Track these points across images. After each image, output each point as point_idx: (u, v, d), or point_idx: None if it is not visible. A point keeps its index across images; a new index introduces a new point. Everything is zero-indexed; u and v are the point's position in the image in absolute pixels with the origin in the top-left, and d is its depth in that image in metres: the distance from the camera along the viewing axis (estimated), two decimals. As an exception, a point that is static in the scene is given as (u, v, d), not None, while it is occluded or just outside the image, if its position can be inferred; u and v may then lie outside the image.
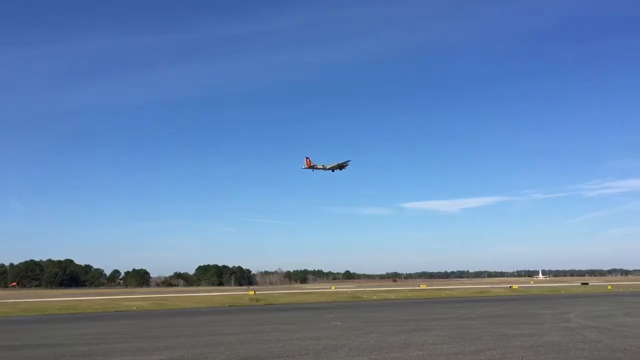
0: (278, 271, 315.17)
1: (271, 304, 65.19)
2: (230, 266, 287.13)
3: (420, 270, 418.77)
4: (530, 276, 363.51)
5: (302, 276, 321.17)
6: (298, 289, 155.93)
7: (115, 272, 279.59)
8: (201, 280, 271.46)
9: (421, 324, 26.74)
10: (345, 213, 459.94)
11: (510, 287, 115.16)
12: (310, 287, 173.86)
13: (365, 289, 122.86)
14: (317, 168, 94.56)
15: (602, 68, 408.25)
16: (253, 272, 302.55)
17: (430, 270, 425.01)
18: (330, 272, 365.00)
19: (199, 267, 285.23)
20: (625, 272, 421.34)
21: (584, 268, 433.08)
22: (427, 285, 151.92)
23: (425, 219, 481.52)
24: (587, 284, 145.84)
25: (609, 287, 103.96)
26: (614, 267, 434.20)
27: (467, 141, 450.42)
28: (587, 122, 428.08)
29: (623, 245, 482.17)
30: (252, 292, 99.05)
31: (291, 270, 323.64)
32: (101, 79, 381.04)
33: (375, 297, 76.86)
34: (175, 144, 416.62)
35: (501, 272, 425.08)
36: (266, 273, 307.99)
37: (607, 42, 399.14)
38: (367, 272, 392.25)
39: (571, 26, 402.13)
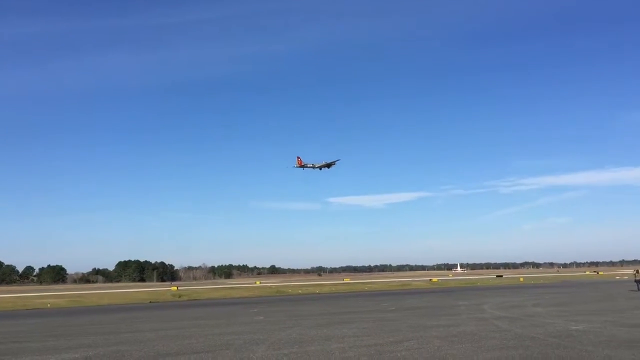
0: (202, 266, 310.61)
1: (194, 300, 64.13)
2: (153, 261, 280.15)
3: (345, 265, 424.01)
4: (449, 269, 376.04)
5: (226, 271, 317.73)
6: (222, 284, 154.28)
7: (29, 269, 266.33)
8: (121, 277, 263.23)
9: (343, 317, 27.10)
10: (271, 208, 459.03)
11: (430, 279, 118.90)
12: (234, 282, 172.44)
13: (290, 284, 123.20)
14: (307, 167, 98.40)
15: (524, 70, 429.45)
16: (176, 267, 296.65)
17: (354, 265, 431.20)
18: (255, 267, 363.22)
19: (119, 262, 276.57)
20: (536, 265, 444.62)
21: (499, 261, 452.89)
22: (351, 279, 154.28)
23: (351, 213, 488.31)
24: (501, 276, 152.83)
25: (521, 279, 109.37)
26: (526, 261, 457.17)
27: (391, 137, 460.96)
28: (503, 120, 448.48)
29: (534, 240, 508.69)
30: (175, 288, 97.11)
31: (216, 266, 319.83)
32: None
33: (300, 292, 77.24)
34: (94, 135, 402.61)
35: (422, 265, 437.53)
36: (190, 268, 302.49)
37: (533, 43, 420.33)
38: (292, 267, 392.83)
39: (497, 26, 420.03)
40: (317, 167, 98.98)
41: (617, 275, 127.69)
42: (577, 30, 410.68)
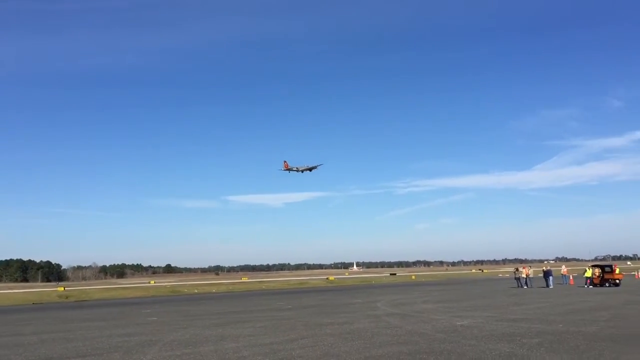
0: (92, 265, 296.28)
1: (83, 301, 61.03)
2: (37, 260, 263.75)
3: (243, 264, 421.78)
4: (346, 267, 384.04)
5: (119, 271, 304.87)
6: (114, 284, 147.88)
7: None
8: (2, 277, 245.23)
9: (239, 317, 26.86)
10: (167, 205, 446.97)
11: (327, 278, 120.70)
12: (127, 282, 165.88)
13: (186, 283, 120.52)
14: (292, 170, 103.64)
15: (420, 75, 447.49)
16: (64, 266, 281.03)
17: (253, 263, 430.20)
18: (150, 267, 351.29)
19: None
20: (427, 264, 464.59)
21: (393, 260, 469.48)
22: (249, 278, 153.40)
23: (250, 212, 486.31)
24: (395, 274, 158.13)
25: (413, 277, 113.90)
26: (418, 259, 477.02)
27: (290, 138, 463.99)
28: (401, 123, 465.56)
29: (426, 239, 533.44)
30: (62, 288, 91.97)
31: (107, 265, 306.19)
32: None
33: (196, 291, 75.72)
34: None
35: (320, 264, 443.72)
36: (79, 268, 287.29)
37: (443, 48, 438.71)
38: (189, 266, 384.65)
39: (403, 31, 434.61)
40: (300, 171, 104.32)
41: (500, 272, 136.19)
42: (470, 38, 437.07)
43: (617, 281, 45.36)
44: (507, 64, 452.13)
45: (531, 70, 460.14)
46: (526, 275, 50.01)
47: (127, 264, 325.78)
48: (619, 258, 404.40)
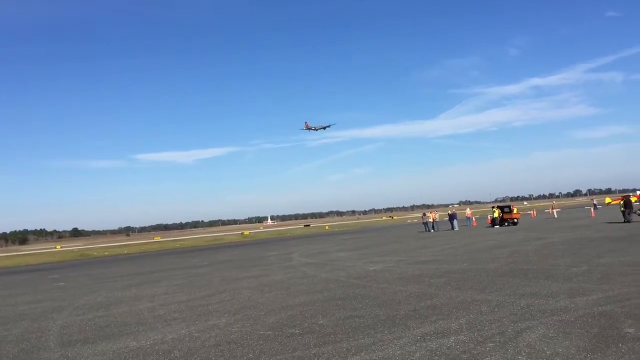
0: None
1: (-18, 271, 57.57)
2: None
3: (155, 223, 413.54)
4: (260, 222, 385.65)
5: (21, 237, 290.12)
6: (16, 251, 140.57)
7: None
8: None
9: (153, 276, 26.42)
10: (70, 166, 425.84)
11: (242, 233, 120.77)
12: (31, 249, 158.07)
13: (96, 246, 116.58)
14: (311, 129, 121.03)
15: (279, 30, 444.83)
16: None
17: (165, 222, 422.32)
18: (55, 231, 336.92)
19: None
20: (340, 214, 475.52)
21: (307, 212, 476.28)
22: (162, 238, 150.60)
23: (160, 170, 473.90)
24: (309, 225, 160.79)
25: (327, 228, 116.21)
26: (331, 210, 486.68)
27: (197, 92, 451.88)
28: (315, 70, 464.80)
29: (339, 190, 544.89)
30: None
31: (7, 232, 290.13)
32: None
33: (106, 254, 73.46)
34: None
35: (234, 220, 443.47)
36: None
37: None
38: (97, 229, 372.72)
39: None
40: (317, 129, 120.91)
41: (409, 219, 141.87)
42: None
43: (515, 220, 48.49)
44: (410, 16, 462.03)
45: (435, 20, 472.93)
46: (433, 219, 52.37)
47: (29, 229, 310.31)
48: (516, 199, 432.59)
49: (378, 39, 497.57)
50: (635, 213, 38.90)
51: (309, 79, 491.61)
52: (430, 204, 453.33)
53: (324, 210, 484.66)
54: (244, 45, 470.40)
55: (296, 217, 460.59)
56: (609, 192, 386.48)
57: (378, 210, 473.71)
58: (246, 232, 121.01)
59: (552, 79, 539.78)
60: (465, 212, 62.44)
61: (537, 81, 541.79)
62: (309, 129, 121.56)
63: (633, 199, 39.35)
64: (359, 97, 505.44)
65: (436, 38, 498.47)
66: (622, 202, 40.26)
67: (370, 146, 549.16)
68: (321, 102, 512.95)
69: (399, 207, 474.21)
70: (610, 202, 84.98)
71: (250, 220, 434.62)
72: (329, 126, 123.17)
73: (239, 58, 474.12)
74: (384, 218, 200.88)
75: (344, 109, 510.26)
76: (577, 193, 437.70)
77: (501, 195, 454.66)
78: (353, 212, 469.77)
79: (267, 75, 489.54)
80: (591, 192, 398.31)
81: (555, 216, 60.35)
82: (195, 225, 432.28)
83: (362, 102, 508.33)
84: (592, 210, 63.12)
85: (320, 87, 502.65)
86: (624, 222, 37.48)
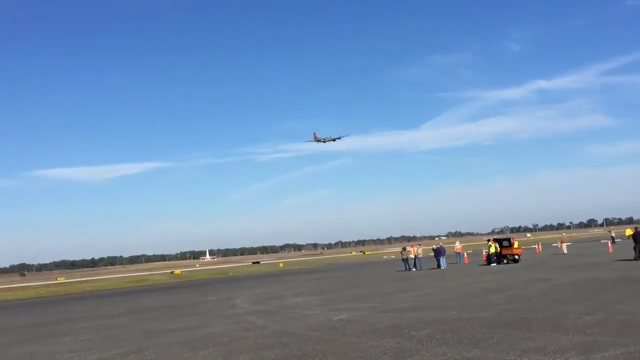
0: None
1: None
2: None
3: (58, 259, 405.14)
4: (196, 258, 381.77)
5: None
6: None
7: None
8: None
9: (55, 329, 25.78)
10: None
11: (172, 272, 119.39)
12: None
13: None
14: (320, 141, 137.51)
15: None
16: None
17: (72, 259, 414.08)
18: None
19: None
20: (298, 247, 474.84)
21: (256, 244, 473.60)
22: (67, 278, 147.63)
23: (61, 192, 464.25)
24: (258, 262, 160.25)
25: (281, 265, 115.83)
26: (287, 242, 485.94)
27: (109, 88, 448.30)
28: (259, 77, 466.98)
29: (296, 217, 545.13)
30: None
31: None
32: None
33: (-8, 299, 71.41)
34: None
35: (162, 255, 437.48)
36: None
37: None
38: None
39: None
40: (327, 141, 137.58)
41: (385, 254, 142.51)
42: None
43: (517, 257, 49.21)
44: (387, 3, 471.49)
45: (417, 5, 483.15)
46: (415, 255, 52.65)
47: None
48: (518, 230, 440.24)
49: (344, 27, 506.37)
50: None
51: (259, 78, 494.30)
52: (411, 235, 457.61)
53: (278, 243, 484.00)
54: (180, 36, 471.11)
55: (242, 251, 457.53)
56: (630, 222, 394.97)
57: (346, 243, 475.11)
58: (177, 271, 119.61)
59: (562, 82, 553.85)
60: (454, 246, 63.07)
61: (543, 84, 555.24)
62: (317, 140, 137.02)
63: None
64: (321, 101, 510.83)
65: (419, 27, 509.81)
66: (632, 236, 41.46)
67: (337, 162, 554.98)
68: (275, 106, 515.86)
69: (372, 240, 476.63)
70: (631, 235, 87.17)
71: (183, 256, 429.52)
72: (339, 138, 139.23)
73: (168, 51, 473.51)
74: (353, 253, 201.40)
75: (304, 115, 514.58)
76: (591, 223, 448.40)
77: (499, 226, 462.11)
78: (315, 245, 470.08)
79: (203, 71, 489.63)
80: (609, 222, 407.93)
81: (565, 251, 61.46)
82: (111, 262, 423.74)
83: (326, 107, 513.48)
84: (609, 244, 64.45)
85: (274, 88, 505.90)
86: (634, 259, 38.66)
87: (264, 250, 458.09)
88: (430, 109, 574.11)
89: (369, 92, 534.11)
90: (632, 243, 41.32)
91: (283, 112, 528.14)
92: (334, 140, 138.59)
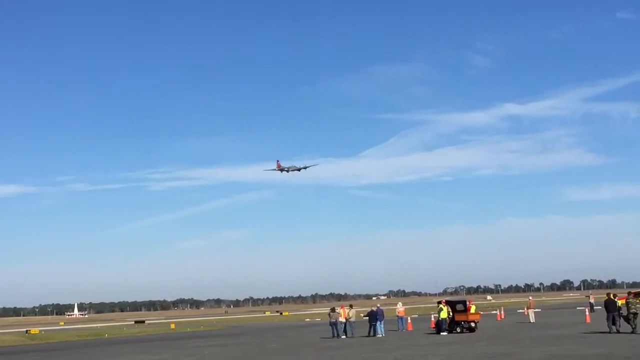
0: None
1: None
2: None
3: None
4: (61, 313, 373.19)
5: None
6: None
7: None
8: None
9: None
10: None
11: (27, 331, 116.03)
12: None
13: None
14: (284, 170, 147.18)
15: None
16: None
17: None
18: None
19: None
20: (196, 304, 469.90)
21: (141, 299, 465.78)
22: None
23: None
24: (143, 322, 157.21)
25: (173, 326, 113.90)
26: (182, 297, 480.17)
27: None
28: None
29: (196, 265, 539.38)
30: None
31: None
32: None
33: None
34: None
35: (16, 309, 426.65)
36: None
37: None
38: None
39: None
40: (291, 170, 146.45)
41: (308, 317, 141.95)
42: None
43: (473, 324, 49.71)
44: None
45: (357, 9, 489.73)
46: (346, 318, 52.55)
47: None
48: (476, 291, 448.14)
49: (261, 25, 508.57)
50: (620, 317, 41.15)
51: (154, 89, 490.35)
52: (342, 293, 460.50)
53: (170, 298, 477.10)
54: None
55: (122, 307, 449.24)
56: (613, 285, 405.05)
57: (259, 300, 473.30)
58: (34, 330, 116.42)
59: (537, 108, 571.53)
60: (396, 309, 63.43)
61: (514, 109, 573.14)
62: (281, 169, 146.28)
63: (620, 302, 42.00)
64: (233, 118, 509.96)
65: (359, 29, 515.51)
66: (604, 304, 42.91)
67: (254, 195, 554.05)
68: (175, 123, 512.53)
69: (292, 298, 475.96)
70: (605, 302, 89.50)
71: (43, 310, 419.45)
72: (305, 167, 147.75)
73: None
74: (268, 314, 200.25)
75: (210, 134, 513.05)
76: (566, 285, 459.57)
77: (453, 285, 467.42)
78: (218, 302, 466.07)
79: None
80: (587, 286, 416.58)
81: (533, 320, 62.52)
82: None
83: (239, 126, 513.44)
84: (587, 312, 65.79)
85: (173, 102, 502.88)
86: (609, 332, 40.13)
87: (151, 306, 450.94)
88: (373, 134, 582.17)
89: (294, 110, 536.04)
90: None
91: (186, 129, 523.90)
92: (298, 170, 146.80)
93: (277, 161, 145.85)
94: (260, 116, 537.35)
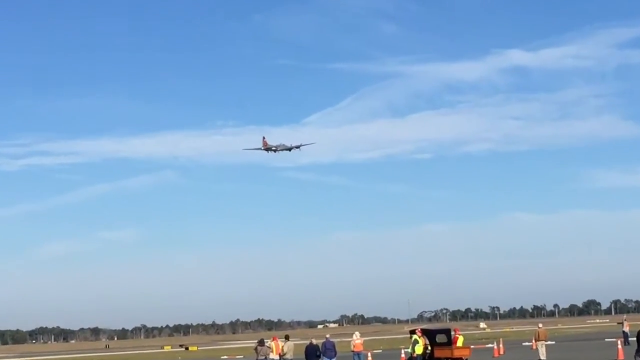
0: None
1: None
2: None
3: None
4: None
5: None
6: None
7: None
8: None
9: None
10: None
11: None
12: None
13: None
14: (271, 149, 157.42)
15: None
16: None
17: None
18: None
19: None
20: (64, 336, 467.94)
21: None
22: None
23: None
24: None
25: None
26: (43, 325, 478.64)
27: None
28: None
29: (63, 279, 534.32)
30: None
31: None
32: None
33: None
34: None
35: None
36: None
37: None
38: None
39: None
40: (279, 150, 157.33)
41: (224, 352, 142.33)
42: None
43: (459, 362, 50.32)
44: None
45: None
46: (280, 355, 52.81)
47: None
48: (464, 316, 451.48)
49: None
50: None
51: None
52: (275, 320, 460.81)
53: (27, 327, 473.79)
54: None
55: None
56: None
57: (155, 329, 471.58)
58: None
59: (552, 55, 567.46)
60: (351, 342, 63.84)
61: (519, 57, 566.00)
62: (267, 149, 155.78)
63: None
64: (121, 64, 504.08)
65: None
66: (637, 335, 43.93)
67: (144, 180, 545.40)
68: (33, 74, 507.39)
69: (203, 325, 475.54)
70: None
71: None
72: (298, 147, 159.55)
73: None
74: (168, 349, 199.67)
75: (89, 89, 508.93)
76: (591, 308, 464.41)
77: (432, 307, 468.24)
78: (96, 332, 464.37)
79: None
80: (620, 308, 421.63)
81: (544, 356, 63.17)
82: None
83: (130, 76, 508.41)
84: (619, 345, 66.52)
85: (31, 40, 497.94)
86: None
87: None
88: (322, 91, 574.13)
89: (212, 55, 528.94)
90: None
91: (51, 81, 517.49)
92: (289, 149, 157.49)
93: (263, 138, 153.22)
94: (162, 63, 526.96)
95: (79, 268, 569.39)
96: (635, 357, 42.27)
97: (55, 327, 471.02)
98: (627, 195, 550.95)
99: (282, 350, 53.35)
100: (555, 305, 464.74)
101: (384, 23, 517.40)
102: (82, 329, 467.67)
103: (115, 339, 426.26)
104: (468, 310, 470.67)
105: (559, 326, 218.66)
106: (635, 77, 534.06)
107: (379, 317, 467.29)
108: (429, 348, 50.16)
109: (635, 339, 48.01)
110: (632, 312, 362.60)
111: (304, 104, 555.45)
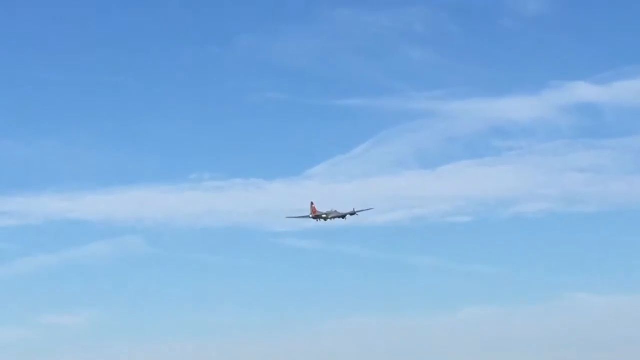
0: None
1: None
2: None
3: None
4: None
5: None
6: None
7: None
8: None
9: None
10: None
11: None
12: None
13: None
14: (321, 217, 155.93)
15: None
16: None
17: None
18: None
19: None
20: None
21: None
22: None
23: None
24: None
25: None
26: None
27: None
28: None
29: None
30: None
31: None
32: None
33: None
34: None
35: None
36: None
37: None
38: None
39: None
40: (333, 217, 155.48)
41: None
42: None
43: None
44: None
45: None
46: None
47: None
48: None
49: None
50: None
51: None
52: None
53: None
54: None
55: None
56: None
57: None
58: None
59: (631, 89, 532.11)
60: None
61: (588, 92, 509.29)
62: (316, 217, 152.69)
63: None
64: (76, 102, 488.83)
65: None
66: None
67: (102, 247, 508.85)
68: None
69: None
70: None
71: None
72: (354, 213, 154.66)
73: None
74: None
75: (34, 132, 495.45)
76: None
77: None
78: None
79: None
80: None
81: None
82: None
83: (86, 115, 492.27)
84: None
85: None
86: None
87: None
88: (330, 135, 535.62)
89: (179, 90, 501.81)
90: None
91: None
92: (342, 217, 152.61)
93: (312, 203, 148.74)
94: (127, 98, 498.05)
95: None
96: None
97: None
98: None
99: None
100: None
101: (411, 47, 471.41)
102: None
103: None
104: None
105: None
106: None
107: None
108: None
109: None
110: None
111: (306, 151, 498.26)
